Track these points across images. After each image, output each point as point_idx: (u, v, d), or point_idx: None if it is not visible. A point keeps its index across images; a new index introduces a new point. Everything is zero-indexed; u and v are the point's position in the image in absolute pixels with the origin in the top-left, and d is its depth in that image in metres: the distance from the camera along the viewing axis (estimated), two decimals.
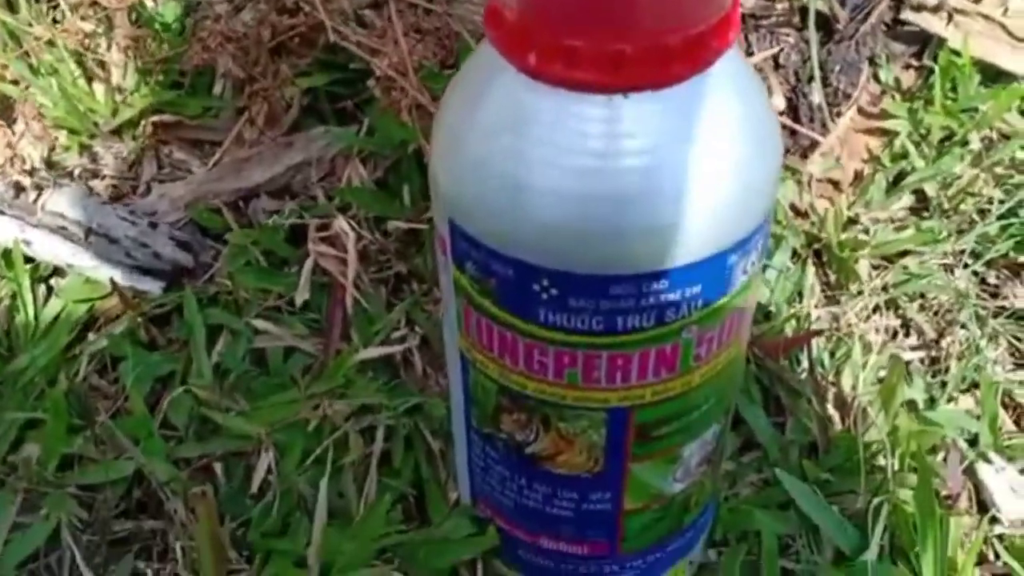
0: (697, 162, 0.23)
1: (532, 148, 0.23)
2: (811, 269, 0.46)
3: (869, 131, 0.51)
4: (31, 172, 0.46)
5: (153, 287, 0.44)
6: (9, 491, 0.38)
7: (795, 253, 0.46)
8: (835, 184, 0.49)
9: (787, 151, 0.48)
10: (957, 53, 0.51)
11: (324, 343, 0.42)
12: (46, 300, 0.44)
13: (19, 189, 0.44)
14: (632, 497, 0.30)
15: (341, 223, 0.44)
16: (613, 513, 0.31)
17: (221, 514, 0.37)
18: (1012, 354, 0.44)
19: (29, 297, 0.44)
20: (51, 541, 0.38)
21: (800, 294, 0.45)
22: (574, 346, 0.25)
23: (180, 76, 0.52)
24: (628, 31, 0.21)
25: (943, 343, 0.44)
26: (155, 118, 0.51)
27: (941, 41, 0.52)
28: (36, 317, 0.44)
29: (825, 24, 0.50)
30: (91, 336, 0.43)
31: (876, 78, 0.52)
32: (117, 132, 0.51)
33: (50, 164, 0.50)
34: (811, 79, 0.49)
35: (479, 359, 0.28)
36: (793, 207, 0.48)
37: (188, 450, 0.39)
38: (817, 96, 0.48)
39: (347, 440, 0.39)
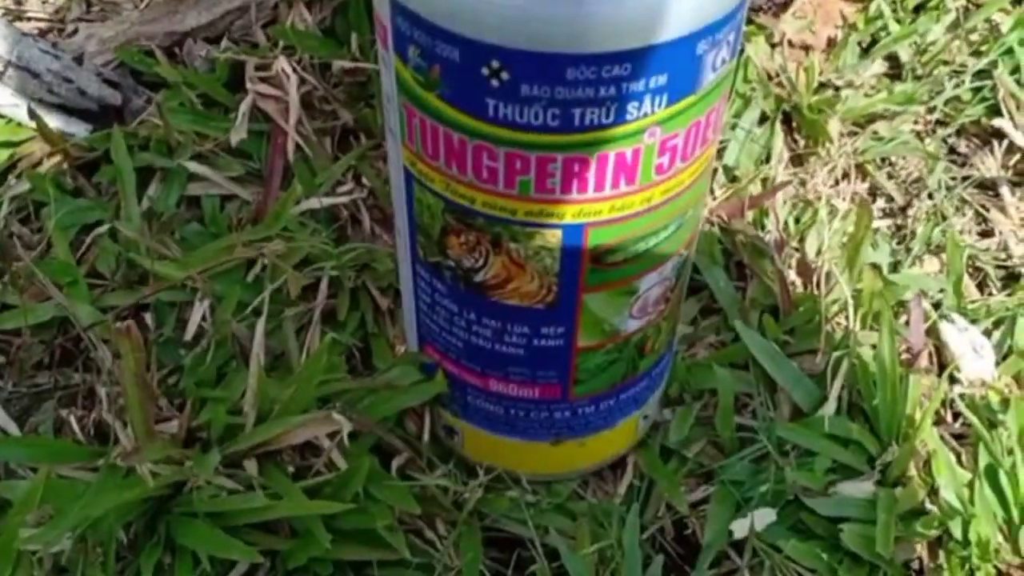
0: None
1: None
2: (780, 132, 0.44)
3: None
4: None
5: (79, 129, 0.40)
6: None
7: (764, 115, 0.44)
8: (807, 49, 0.47)
9: (759, 9, 0.46)
10: None
11: (263, 191, 0.40)
12: None
13: None
14: (586, 333, 0.29)
15: (282, 63, 0.41)
16: (566, 350, 0.29)
17: (151, 362, 0.35)
18: (978, 223, 0.43)
19: None
20: None
21: (768, 157, 0.43)
22: (527, 146, 0.23)
23: None
24: None
25: (910, 211, 0.43)
26: None
27: None
28: None
29: None
30: (11, 180, 0.40)
31: None
32: None
33: None
34: None
35: (424, 171, 0.25)
36: (764, 73, 0.46)
37: (116, 298, 0.37)
38: None
39: (287, 291, 0.37)
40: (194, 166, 0.39)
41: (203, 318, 0.36)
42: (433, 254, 0.28)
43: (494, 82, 0.22)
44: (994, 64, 0.45)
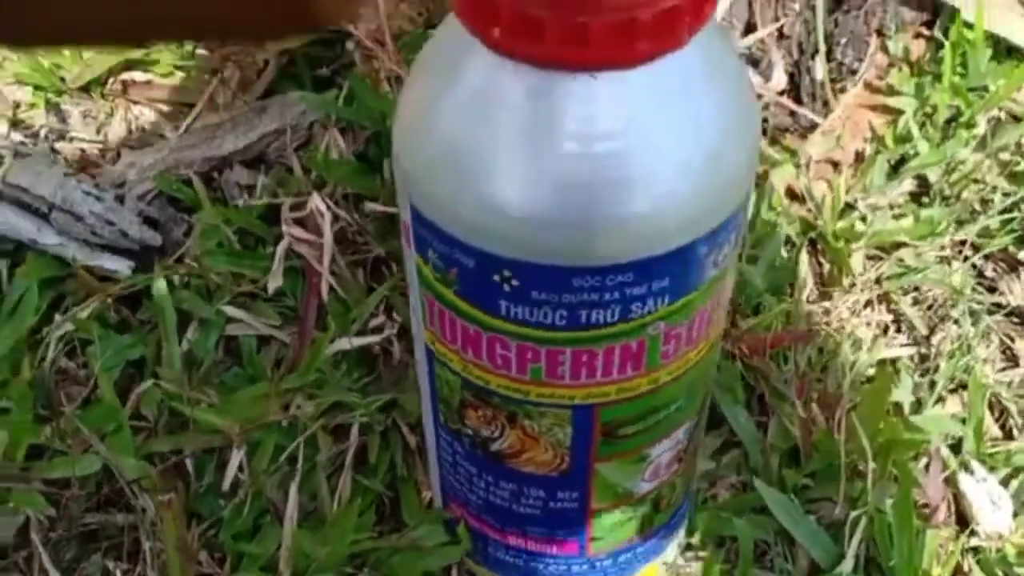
0: (668, 149, 0.22)
1: (496, 131, 0.22)
2: (804, 259, 0.44)
3: (874, 107, 0.49)
4: None
5: (121, 266, 0.42)
6: None
7: (789, 241, 0.45)
8: (835, 164, 0.47)
9: (786, 131, 0.46)
10: (970, 26, 0.48)
11: (298, 332, 0.41)
12: (9, 278, 0.43)
13: None
14: (599, 496, 0.30)
15: (317, 202, 0.42)
16: (581, 512, 0.30)
17: (192, 514, 0.37)
18: (1003, 352, 0.43)
19: None
20: (20, 536, 0.37)
21: (792, 286, 0.44)
22: (537, 340, 0.24)
23: None
24: (595, 3, 0.20)
25: (934, 340, 0.43)
26: (124, 76, 0.48)
27: (953, 12, 0.49)
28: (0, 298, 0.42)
29: None
30: (58, 318, 0.42)
31: (884, 49, 0.49)
32: (85, 89, 0.49)
33: (14, 123, 0.48)
34: (815, 53, 0.46)
35: (443, 352, 0.27)
36: (789, 190, 0.46)
37: (158, 444, 0.39)
38: (820, 72, 0.46)
39: (317, 439, 0.38)
40: (231, 311, 0.41)
41: (239, 468, 0.38)
42: (453, 421, 0.29)
43: (506, 287, 0.23)
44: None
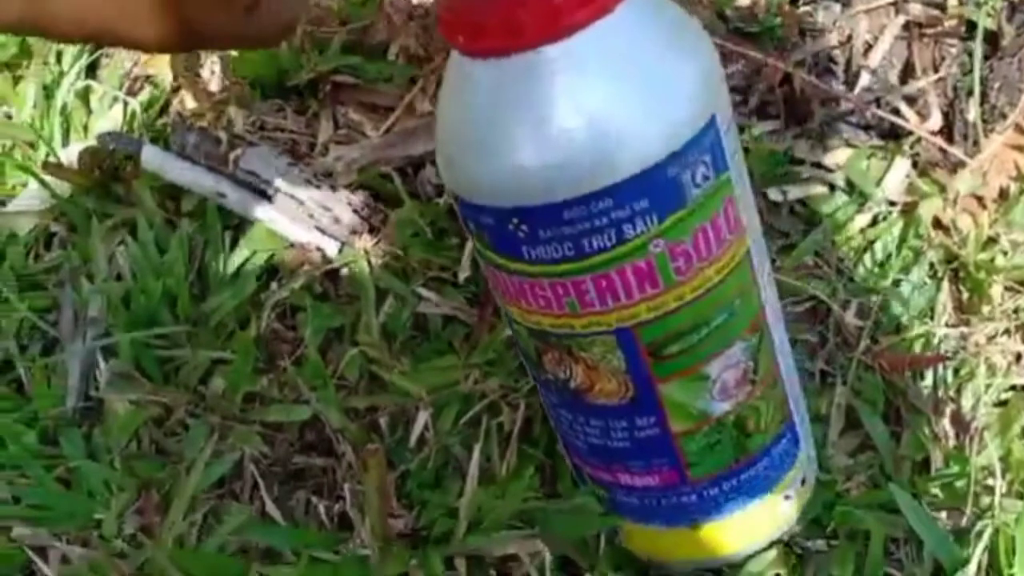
0: (614, 89, 0.27)
1: (473, 113, 0.28)
2: (946, 287, 0.47)
3: (1021, 148, 0.51)
4: (228, 128, 0.51)
5: (330, 246, 0.48)
6: (203, 423, 0.44)
7: (932, 268, 0.48)
8: (980, 200, 0.50)
9: (936, 165, 0.49)
10: None
11: (479, 315, 0.46)
12: (232, 248, 0.50)
13: (218, 143, 0.49)
14: (675, 419, 0.33)
15: None
16: (665, 437, 0.33)
17: (386, 464, 0.43)
18: None
19: (220, 244, 0.49)
20: (235, 470, 0.44)
21: (932, 310, 0.47)
22: (560, 275, 0.29)
23: (357, 40, 0.55)
24: (520, 5, 0.26)
25: None
26: (335, 78, 0.55)
27: None
28: (225, 263, 0.49)
29: (991, 38, 0.50)
30: (273, 286, 0.49)
31: None
32: (297, 89, 0.55)
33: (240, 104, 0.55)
34: (970, 94, 0.49)
35: (506, 307, 0.32)
36: (936, 221, 0.49)
37: (357, 401, 0.44)
38: (973, 114, 0.49)
39: (494, 408, 0.44)
40: (424, 291, 0.46)
41: (425, 427, 0.43)
42: (538, 371, 0.34)
43: (520, 234, 0.29)
44: None
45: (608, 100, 0.27)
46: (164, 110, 0.56)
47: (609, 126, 0.27)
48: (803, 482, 0.39)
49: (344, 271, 0.49)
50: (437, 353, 0.45)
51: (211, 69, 0.58)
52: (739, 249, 0.31)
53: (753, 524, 0.38)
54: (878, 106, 0.48)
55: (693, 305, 0.30)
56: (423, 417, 0.43)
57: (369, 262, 0.48)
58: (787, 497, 0.38)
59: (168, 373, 0.47)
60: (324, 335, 0.47)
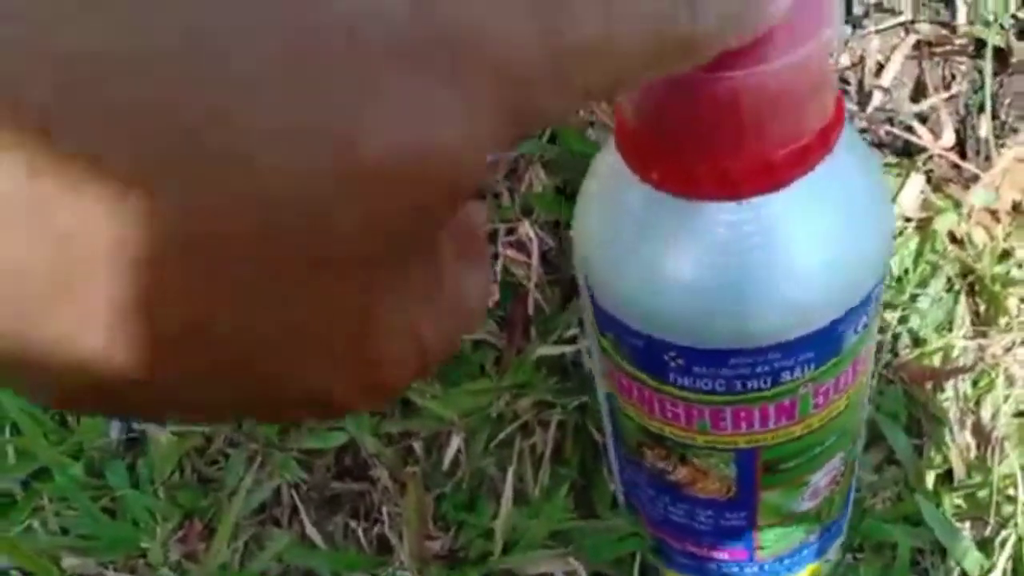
0: (804, 253, 0.26)
1: (657, 248, 0.27)
2: (963, 300, 0.48)
3: None
4: None
5: None
6: (242, 451, 0.46)
7: (949, 282, 0.49)
8: (993, 213, 0.51)
9: (950, 181, 0.50)
10: None
11: (508, 338, 0.48)
12: None
13: None
14: (764, 515, 0.35)
15: (527, 229, 0.49)
16: (748, 528, 0.35)
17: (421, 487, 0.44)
18: None
19: None
20: (274, 496, 0.45)
21: (951, 323, 0.48)
22: (701, 403, 0.30)
23: None
24: (739, 152, 0.24)
25: None
26: None
27: None
28: None
29: (1000, 55, 0.52)
30: None
31: None
32: None
33: None
34: (981, 110, 0.50)
35: (621, 402, 0.32)
36: (951, 235, 0.50)
37: (391, 426, 0.46)
38: (984, 130, 0.50)
39: (526, 429, 0.45)
40: None
41: (458, 450, 0.45)
42: (633, 454, 0.35)
43: (672, 364, 0.29)
44: None
45: (804, 260, 0.27)
46: None
47: (800, 287, 0.27)
48: (840, 545, 0.41)
49: None
50: (468, 377, 0.47)
51: None
52: (865, 380, 0.32)
53: None
54: (891, 124, 0.49)
55: (816, 432, 0.31)
56: (456, 440, 0.45)
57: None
58: (827, 560, 0.40)
59: None
60: None
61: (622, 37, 0.14)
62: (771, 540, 0.36)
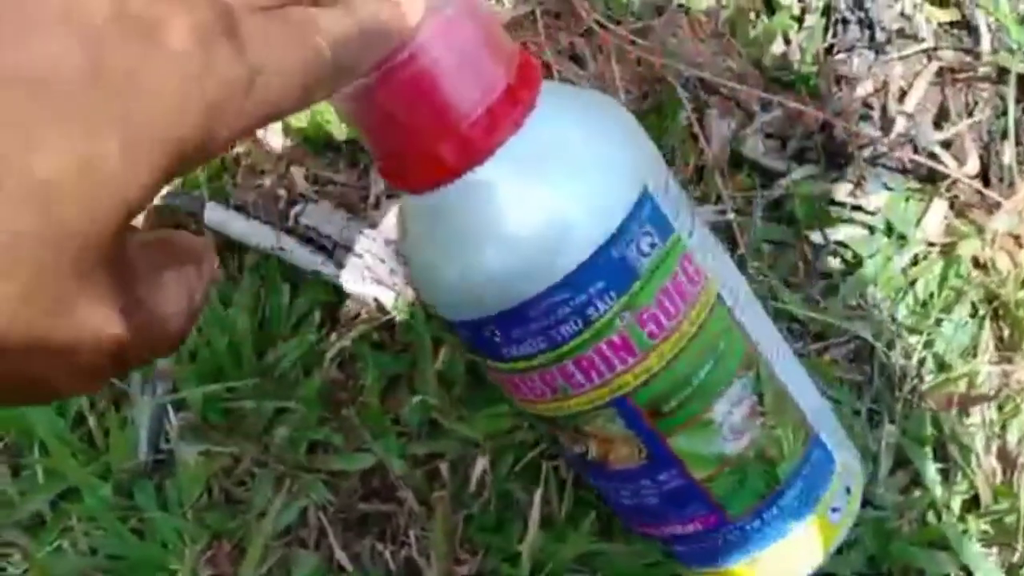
0: (543, 191, 0.29)
1: (423, 243, 0.31)
2: (988, 325, 0.48)
3: None
4: (288, 185, 0.53)
5: (386, 297, 0.50)
6: (269, 472, 0.46)
7: (974, 307, 0.49)
8: (1017, 239, 0.51)
9: (974, 207, 0.51)
10: None
11: None
12: (292, 301, 0.52)
13: (277, 200, 0.51)
14: (694, 467, 0.33)
15: None
16: (690, 485, 0.34)
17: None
18: None
19: (283, 297, 0.51)
20: (301, 518, 0.45)
21: (975, 348, 0.48)
22: (543, 366, 0.31)
23: None
24: (437, 135, 0.28)
25: None
26: None
27: None
28: (287, 316, 0.51)
29: (1022, 82, 0.52)
30: (332, 337, 0.50)
31: None
32: (347, 144, 0.58)
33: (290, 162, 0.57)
34: (1004, 137, 0.51)
35: (512, 399, 0.34)
36: (975, 260, 0.50)
37: (418, 448, 0.46)
38: (1008, 156, 0.50)
39: (550, 453, 0.45)
40: None
41: (484, 472, 0.45)
42: (559, 450, 0.36)
43: (496, 339, 0.31)
44: None
45: (540, 202, 0.29)
46: (223, 169, 0.59)
47: (547, 226, 0.29)
48: (848, 491, 0.38)
49: (399, 321, 0.50)
50: (493, 400, 0.47)
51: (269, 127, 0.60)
52: (708, 297, 0.32)
53: (809, 543, 0.37)
54: (915, 151, 0.50)
55: (677, 360, 0.31)
56: (482, 463, 0.45)
57: (425, 312, 0.49)
58: (835, 510, 0.38)
59: (234, 424, 0.49)
60: (382, 383, 0.49)
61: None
62: (726, 492, 0.34)
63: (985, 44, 0.52)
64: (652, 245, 0.30)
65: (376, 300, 0.50)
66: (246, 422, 0.48)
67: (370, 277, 0.50)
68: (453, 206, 0.29)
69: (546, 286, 0.29)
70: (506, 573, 0.42)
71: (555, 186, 0.29)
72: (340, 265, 0.51)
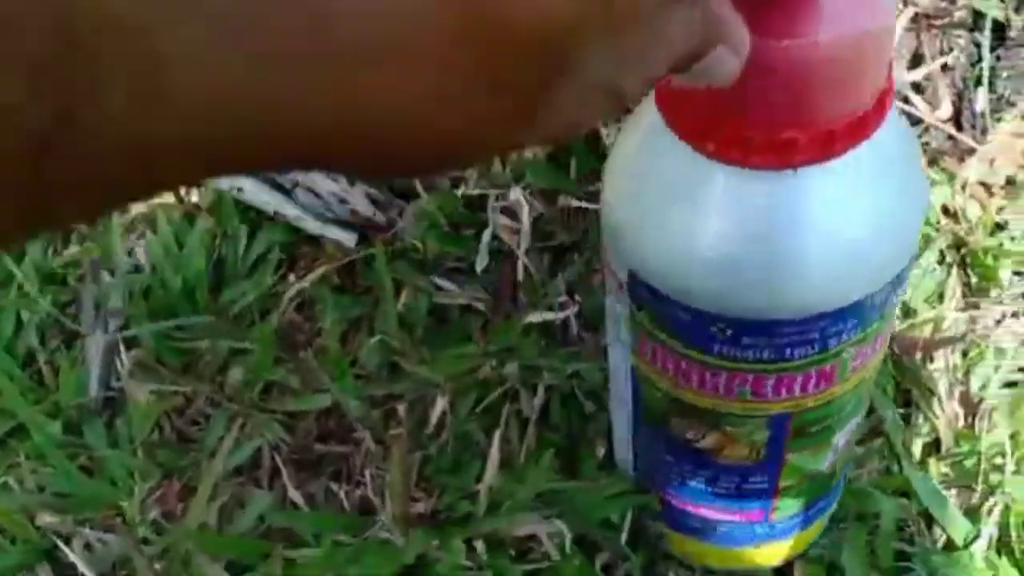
0: (854, 224, 0.26)
1: (709, 219, 0.26)
2: (955, 272, 0.48)
3: None
4: None
5: (347, 239, 0.49)
6: (223, 412, 0.45)
7: (941, 254, 0.49)
8: (988, 187, 0.51)
9: (945, 154, 0.50)
10: None
11: (495, 305, 0.47)
12: (250, 242, 0.50)
13: None
14: (786, 477, 0.34)
15: (518, 195, 0.48)
16: (770, 491, 0.35)
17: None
18: None
19: (240, 238, 0.50)
20: (255, 457, 0.44)
21: (941, 295, 0.48)
22: (746, 371, 0.29)
23: None
24: (799, 122, 0.24)
25: None
26: None
27: None
28: (244, 256, 0.50)
29: (998, 28, 0.51)
30: (291, 278, 0.49)
31: None
32: None
33: None
34: (978, 83, 0.50)
35: (652, 376, 0.32)
36: (945, 208, 0.50)
37: (376, 389, 0.45)
38: (981, 103, 0.50)
39: (512, 394, 0.44)
40: (441, 281, 0.47)
41: (444, 412, 0.44)
42: (656, 424, 0.34)
43: (719, 336, 0.28)
44: None
45: (859, 229, 0.26)
46: None
47: (856, 256, 0.27)
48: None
49: (361, 263, 0.49)
50: (455, 342, 0.46)
51: None
52: (887, 343, 0.32)
53: (801, 540, 0.39)
54: None
55: (848, 394, 0.31)
56: (441, 403, 0.44)
57: (387, 254, 0.48)
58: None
59: (188, 364, 0.48)
60: (342, 326, 0.48)
61: None
62: (788, 501, 0.36)
63: None
64: (898, 295, 0.30)
65: (337, 242, 0.49)
66: (201, 362, 0.47)
67: (331, 218, 0.49)
68: (773, 192, 0.25)
69: (819, 311, 0.27)
70: (463, 511, 0.41)
71: (876, 218, 0.27)
72: (300, 206, 0.49)
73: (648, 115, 0.27)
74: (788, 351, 0.28)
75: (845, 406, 0.32)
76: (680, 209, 0.27)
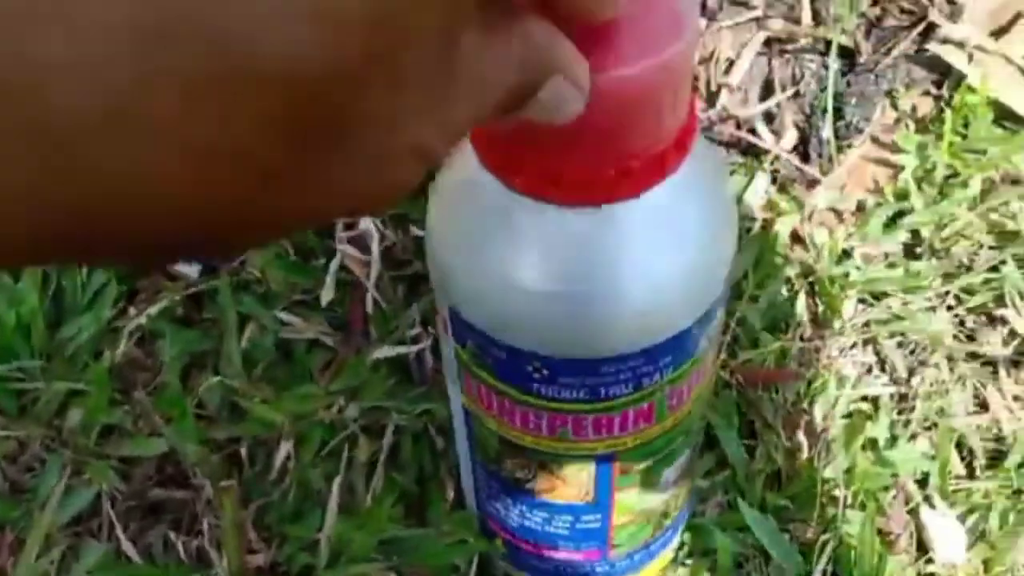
0: (660, 261, 0.26)
1: (519, 254, 0.26)
2: (802, 300, 0.49)
3: (878, 161, 0.53)
4: None
5: (190, 270, 0.47)
6: (57, 458, 0.43)
7: (790, 282, 0.49)
8: (838, 213, 0.52)
9: (793, 181, 0.50)
10: (974, 91, 0.52)
11: (344, 340, 0.46)
12: (90, 274, 0.48)
13: None
14: (619, 514, 0.35)
15: (367, 223, 0.47)
16: (604, 528, 0.35)
17: (245, 497, 0.42)
18: (975, 397, 0.48)
19: (77, 270, 0.48)
20: (92, 506, 0.43)
21: (788, 324, 0.48)
22: (565, 412, 0.29)
23: None
24: (599, 159, 0.24)
25: (913, 382, 0.48)
26: None
27: (960, 77, 0.53)
28: (82, 289, 0.47)
29: (848, 53, 0.52)
30: (132, 311, 0.47)
31: (894, 105, 0.54)
32: None
33: None
34: (824, 111, 0.50)
35: (481, 415, 0.32)
36: (794, 234, 0.51)
37: (217, 431, 0.44)
38: (827, 131, 0.50)
39: (357, 437, 0.44)
40: (286, 316, 0.46)
41: (287, 458, 0.43)
42: (490, 464, 0.34)
43: (536, 375, 0.28)
44: (1004, 261, 0.49)
45: (665, 266, 0.26)
46: None
47: (662, 294, 0.26)
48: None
49: (205, 295, 0.48)
50: (300, 380, 0.45)
51: None
52: (712, 376, 0.33)
53: (654, 569, 0.40)
54: (737, 126, 0.49)
55: (671, 430, 0.31)
56: (285, 447, 0.43)
57: (231, 285, 0.47)
58: (676, 548, 0.41)
59: (25, 406, 0.46)
60: (184, 362, 0.46)
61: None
62: (625, 538, 0.36)
63: (808, 15, 0.51)
64: (713, 330, 0.29)
65: (179, 273, 0.47)
66: (37, 404, 0.45)
67: None
68: (590, 230, 0.25)
69: (631, 351, 0.27)
70: (303, 562, 0.40)
71: (685, 254, 0.26)
72: None
73: (466, 144, 0.26)
74: (603, 391, 0.28)
75: (670, 443, 0.32)
76: (492, 243, 0.26)
